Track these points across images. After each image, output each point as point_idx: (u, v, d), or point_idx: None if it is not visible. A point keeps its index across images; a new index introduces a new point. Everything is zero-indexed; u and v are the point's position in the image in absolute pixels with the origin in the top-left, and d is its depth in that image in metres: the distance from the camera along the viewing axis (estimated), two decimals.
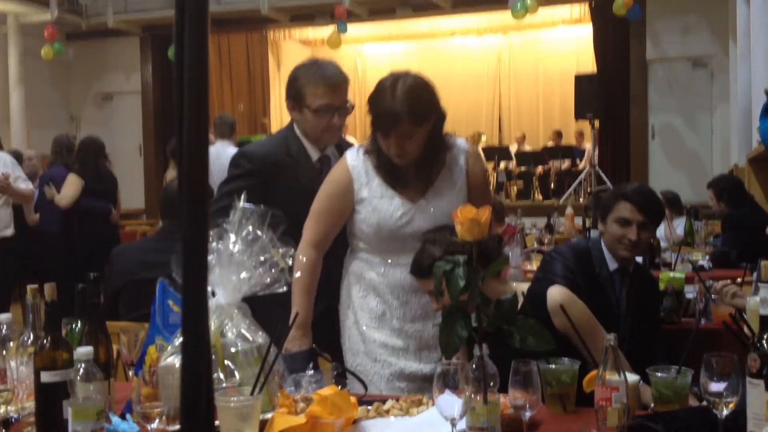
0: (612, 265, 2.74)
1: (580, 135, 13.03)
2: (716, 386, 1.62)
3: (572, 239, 5.28)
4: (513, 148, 13.49)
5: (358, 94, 16.06)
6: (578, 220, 7.18)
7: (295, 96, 2.77)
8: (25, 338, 2.00)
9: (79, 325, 2.01)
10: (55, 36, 11.73)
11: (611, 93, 11.44)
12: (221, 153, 6.89)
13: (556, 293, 2.22)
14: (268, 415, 1.72)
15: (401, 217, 2.48)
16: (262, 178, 2.76)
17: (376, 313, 2.53)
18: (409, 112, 2.39)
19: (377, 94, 2.45)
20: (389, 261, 2.52)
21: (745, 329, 1.72)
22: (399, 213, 2.48)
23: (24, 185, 5.92)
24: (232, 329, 1.78)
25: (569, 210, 7.34)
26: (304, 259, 2.49)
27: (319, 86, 2.73)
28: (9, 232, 5.87)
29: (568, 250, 2.79)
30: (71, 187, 6.20)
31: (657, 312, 2.96)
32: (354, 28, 12.52)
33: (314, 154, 2.82)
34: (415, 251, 2.39)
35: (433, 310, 2.40)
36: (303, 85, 2.75)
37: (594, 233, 3.45)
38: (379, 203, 2.50)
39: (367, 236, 2.53)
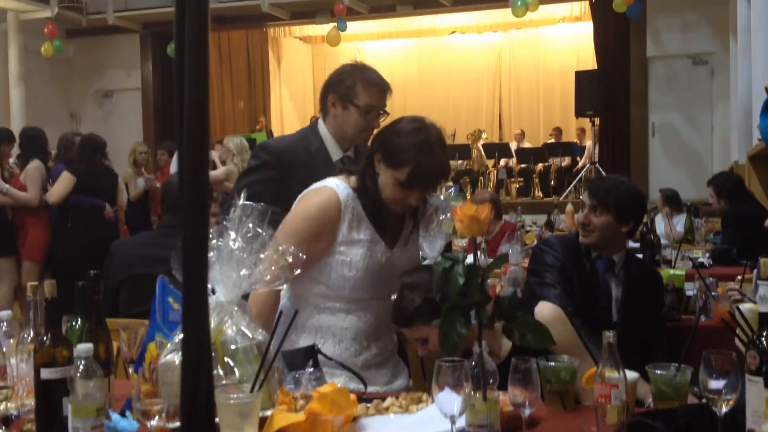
0: (594, 253, 2.84)
1: (582, 132, 13.04)
2: (715, 383, 1.62)
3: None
4: (513, 145, 13.50)
5: None
6: (578, 217, 7.17)
7: (344, 93, 2.80)
8: (25, 335, 2.00)
9: (79, 322, 2.01)
10: (56, 33, 11.73)
11: (611, 90, 11.45)
12: None
13: (539, 312, 2.24)
14: (268, 413, 1.72)
15: (386, 262, 2.36)
16: (280, 170, 2.83)
17: (335, 356, 2.36)
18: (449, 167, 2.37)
19: (423, 147, 2.26)
20: (354, 307, 2.39)
21: (738, 332, 1.72)
22: (384, 258, 2.36)
23: None
24: (232, 326, 1.78)
25: (569, 207, 7.34)
26: (268, 302, 2.28)
27: (372, 87, 2.79)
28: None
29: (556, 242, 2.90)
30: (60, 183, 6.26)
31: (657, 306, 2.97)
32: (354, 25, 12.52)
33: (336, 154, 2.86)
34: (382, 298, 2.39)
35: (387, 354, 2.43)
36: (355, 84, 2.79)
37: None
38: (370, 247, 2.34)
39: (342, 281, 2.34)
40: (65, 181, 6.22)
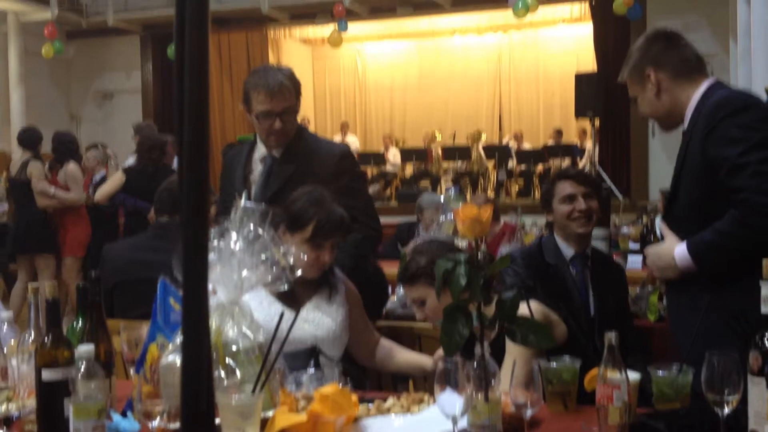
0: (568, 252, 2.80)
1: (583, 133, 13.02)
2: (718, 384, 1.62)
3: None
4: (513, 147, 13.49)
5: (359, 92, 16.02)
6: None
7: (244, 101, 2.92)
8: (26, 336, 2.00)
9: (80, 322, 2.01)
10: (56, 35, 11.72)
11: (611, 91, 11.41)
12: None
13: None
14: (270, 414, 1.72)
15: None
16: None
17: None
18: None
19: (319, 201, 2.44)
20: None
21: None
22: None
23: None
24: (233, 327, 1.78)
25: None
26: None
27: (260, 93, 2.83)
28: None
29: (517, 255, 2.84)
30: (109, 183, 6.32)
31: (625, 299, 2.98)
32: (354, 27, 12.50)
33: (261, 151, 3.01)
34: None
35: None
36: (248, 91, 2.88)
37: None
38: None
39: None
40: (114, 180, 6.26)
